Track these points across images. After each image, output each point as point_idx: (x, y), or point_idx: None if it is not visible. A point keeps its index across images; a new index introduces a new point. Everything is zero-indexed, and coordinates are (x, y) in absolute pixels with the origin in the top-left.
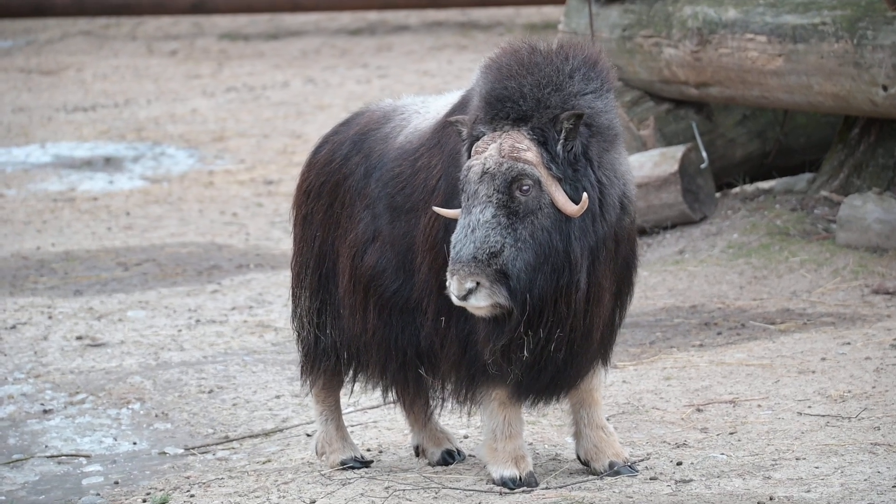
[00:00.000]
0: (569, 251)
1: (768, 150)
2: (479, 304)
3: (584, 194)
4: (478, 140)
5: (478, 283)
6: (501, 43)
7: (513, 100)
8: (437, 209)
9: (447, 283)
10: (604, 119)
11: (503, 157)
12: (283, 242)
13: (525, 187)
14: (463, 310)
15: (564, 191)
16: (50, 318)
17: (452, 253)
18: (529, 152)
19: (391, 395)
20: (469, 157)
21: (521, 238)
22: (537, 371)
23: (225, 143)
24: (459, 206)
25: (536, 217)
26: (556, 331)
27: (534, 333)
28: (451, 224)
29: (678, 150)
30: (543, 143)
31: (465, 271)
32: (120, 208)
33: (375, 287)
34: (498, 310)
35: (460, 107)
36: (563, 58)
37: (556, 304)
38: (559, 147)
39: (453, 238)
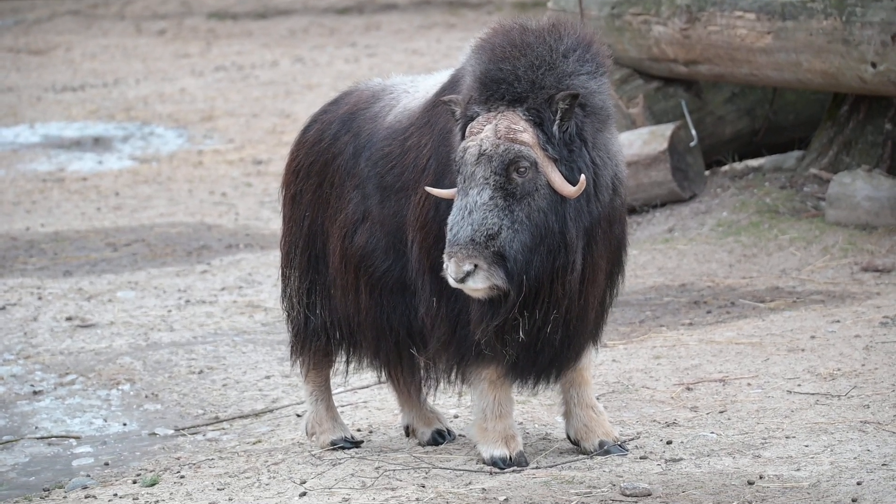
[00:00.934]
0: (564, 232)
1: (757, 128)
2: (477, 286)
3: (582, 175)
4: (472, 121)
5: (475, 266)
6: (491, 23)
7: (507, 81)
8: (429, 189)
9: (444, 266)
10: (597, 100)
11: (499, 138)
12: (273, 222)
13: (522, 169)
14: (454, 289)
15: (560, 171)
16: (39, 298)
17: (449, 235)
18: (526, 133)
19: (382, 375)
20: (463, 137)
21: (518, 220)
22: (533, 352)
23: (214, 123)
24: (451, 186)
25: (533, 198)
26: (552, 311)
27: (529, 314)
28: (441, 203)
29: (667, 129)
30: (539, 123)
31: (463, 254)
32: (109, 188)
33: (366, 267)
34: (495, 291)
35: (450, 86)
36: (556, 37)
37: (552, 285)
38: (555, 128)
39: (450, 220)
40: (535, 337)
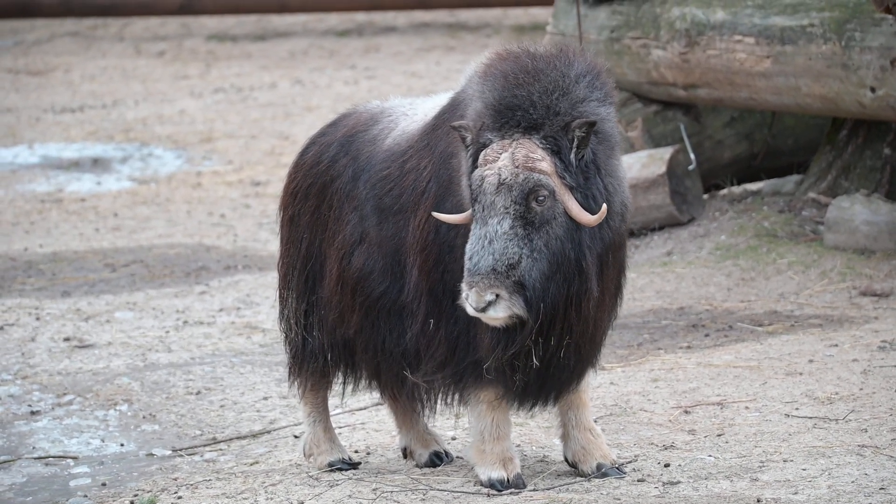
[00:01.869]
0: (580, 259)
1: (756, 152)
2: (498, 315)
3: (604, 205)
4: (485, 147)
5: (497, 296)
6: (493, 47)
7: (522, 108)
8: (437, 215)
9: (463, 294)
10: (608, 126)
11: (517, 167)
12: (271, 244)
13: (541, 198)
14: (453, 312)
15: (576, 199)
16: (37, 319)
17: (469, 264)
18: (544, 162)
19: (382, 397)
20: (474, 164)
21: (537, 248)
22: (541, 377)
23: (213, 144)
24: (453, 209)
25: (551, 227)
26: (565, 337)
27: (544, 341)
28: (442, 227)
29: (666, 152)
30: (557, 151)
31: (485, 283)
32: (107, 209)
33: (362, 289)
34: (514, 320)
35: (450, 109)
36: (566, 63)
37: (567, 312)
38: (572, 156)
39: (468, 249)
40: (548, 362)
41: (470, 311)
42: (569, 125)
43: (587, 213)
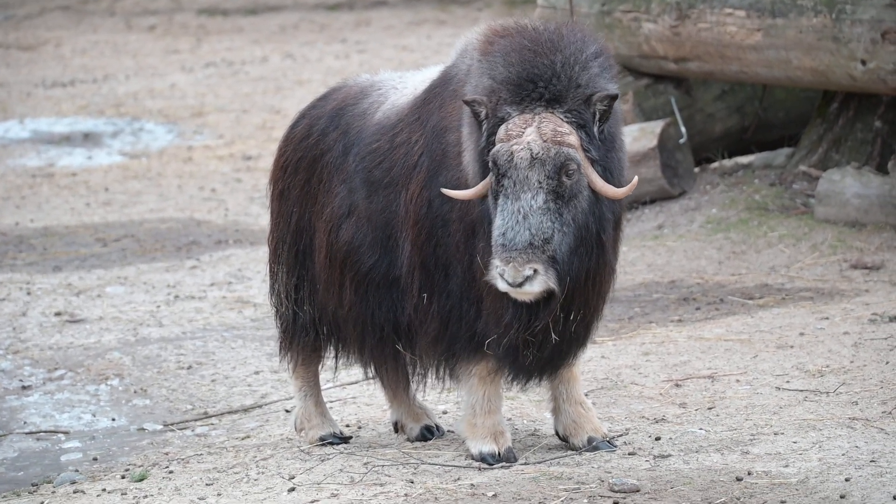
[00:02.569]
0: (600, 232)
1: (747, 125)
2: (534, 289)
3: (635, 177)
4: (503, 122)
5: (535, 270)
6: (490, 23)
7: (545, 79)
8: (446, 191)
9: (496, 270)
10: (618, 101)
11: (546, 141)
12: (262, 218)
13: (570, 171)
14: (445, 286)
15: (598, 172)
16: (29, 294)
17: (502, 239)
18: (571, 136)
19: (370, 371)
20: (489, 138)
21: (566, 222)
22: (552, 352)
23: (204, 119)
24: (447, 184)
25: (578, 200)
26: (581, 311)
27: (564, 315)
28: (435, 200)
29: (657, 126)
30: (582, 125)
31: (523, 258)
32: (99, 184)
33: (352, 262)
34: (544, 294)
35: (442, 83)
36: (579, 38)
37: (586, 285)
38: (595, 129)
39: (500, 224)
40: (561, 336)
41: (503, 286)
42: (590, 98)
43: (612, 186)
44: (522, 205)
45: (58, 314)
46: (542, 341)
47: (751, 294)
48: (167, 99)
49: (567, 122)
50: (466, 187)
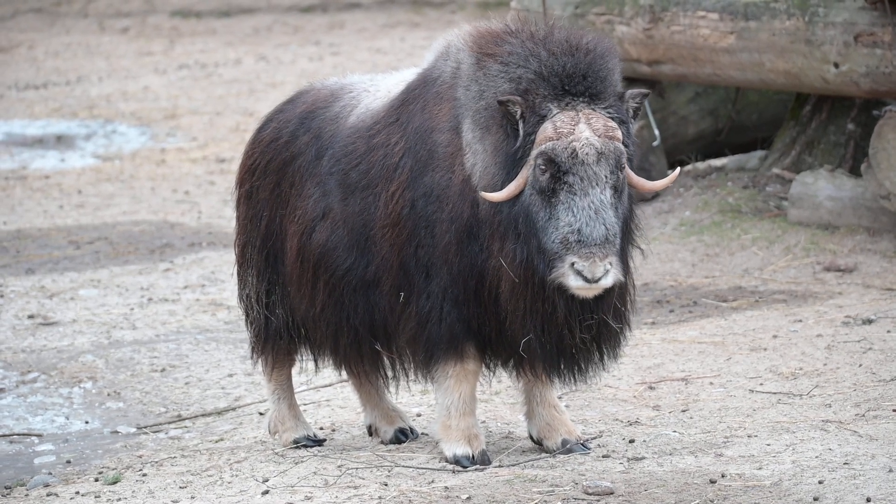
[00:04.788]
0: (631, 224)
1: (720, 128)
2: (608, 283)
3: (677, 169)
4: (543, 120)
5: (611, 264)
6: (480, 26)
7: (582, 76)
8: (485, 194)
9: (571, 265)
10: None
11: (600, 136)
12: None
13: (622, 166)
14: (425, 287)
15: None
16: (1, 296)
17: (577, 236)
18: (618, 131)
19: (342, 373)
20: (527, 137)
21: (620, 216)
22: (598, 347)
23: (177, 121)
24: (431, 185)
25: (624, 194)
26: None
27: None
28: (419, 202)
29: None
30: (623, 122)
31: (602, 253)
32: (72, 186)
33: (326, 265)
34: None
35: (421, 85)
36: (591, 38)
37: (627, 278)
38: (631, 126)
39: (570, 220)
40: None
41: (579, 283)
42: (623, 96)
43: (647, 181)
44: (593, 200)
45: (31, 317)
46: (592, 337)
47: (724, 297)
48: (140, 101)
49: (610, 118)
50: (463, 188)
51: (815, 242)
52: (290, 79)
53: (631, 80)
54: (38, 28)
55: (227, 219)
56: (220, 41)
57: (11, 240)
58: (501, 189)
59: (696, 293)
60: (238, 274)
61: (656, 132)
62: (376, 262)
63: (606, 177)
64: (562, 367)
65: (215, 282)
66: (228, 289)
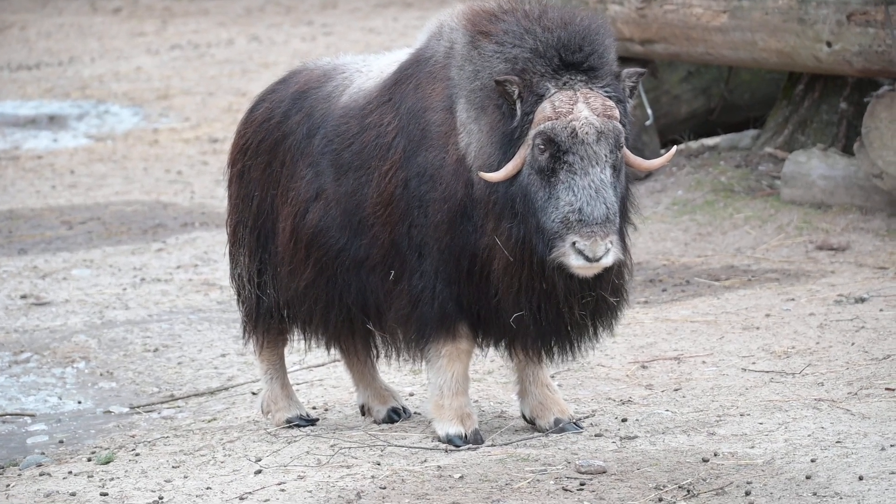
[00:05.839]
0: (628, 203)
1: (713, 107)
2: (608, 262)
3: (674, 147)
4: (541, 99)
5: (612, 243)
6: (474, 5)
7: (579, 55)
8: (483, 175)
9: (573, 244)
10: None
11: (599, 116)
12: None
13: (621, 145)
14: (418, 266)
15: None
16: None
17: (578, 215)
18: (616, 110)
19: (335, 352)
20: (525, 115)
21: (618, 195)
22: (593, 324)
23: (169, 101)
24: (425, 165)
25: (622, 174)
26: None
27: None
28: (412, 181)
29: None
30: (620, 101)
31: (603, 231)
32: (64, 167)
33: (319, 245)
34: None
35: (414, 64)
36: (586, 16)
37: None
38: (628, 105)
39: (570, 199)
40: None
41: (580, 262)
42: (619, 75)
43: (644, 160)
44: (593, 179)
45: (23, 297)
46: (590, 312)
47: (717, 276)
48: (133, 82)
49: (608, 97)
50: (457, 168)
51: (808, 221)
52: (282, 59)
53: (624, 60)
54: (30, 9)
55: (219, 199)
56: (212, 21)
57: (4, 220)
58: (498, 169)
59: (688, 272)
60: (230, 253)
61: (649, 111)
62: (369, 241)
63: (606, 156)
64: (552, 344)
65: (208, 262)
66: (221, 269)
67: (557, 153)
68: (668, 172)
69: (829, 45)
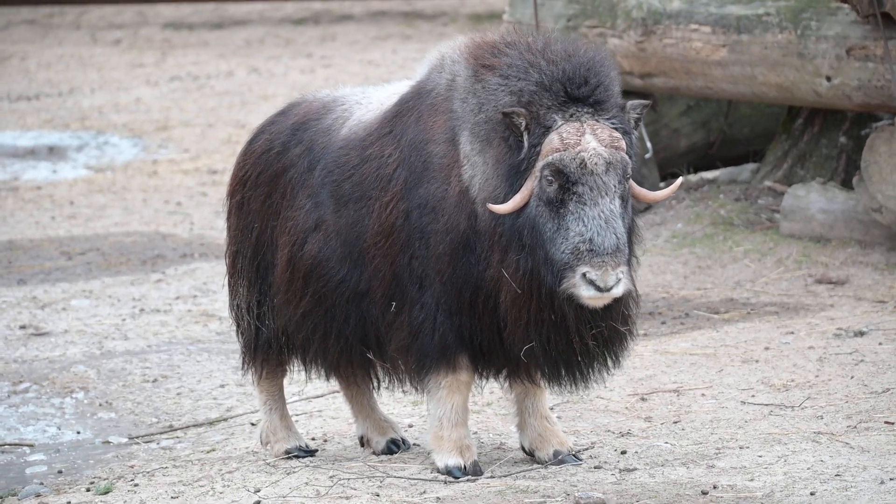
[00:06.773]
0: (633, 236)
1: (712, 141)
2: (619, 292)
3: (679, 179)
4: (548, 131)
5: (623, 273)
6: (476, 38)
7: (585, 87)
8: (492, 206)
9: (584, 275)
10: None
11: (606, 147)
12: None
13: (629, 176)
14: (418, 298)
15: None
16: None
17: (589, 245)
18: (622, 142)
19: (335, 382)
20: (527, 146)
21: (626, 225)
22: (603, 355)
23: (169, 133)
24: (427, 197)
25: (629, 204)
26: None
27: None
28: (413, 213)
29: None
30: (625, 132)
31: (614, 262)
32: (63, 197)
33: (318, 276)
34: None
35: (415, 97)
36: (591, 49)
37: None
38: (633, 137)
39: (580, 230)
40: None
41: (591, 292)
42: (624, 106)
43: (650, 191)
44: (602, 209)
45: (22, 327)
46: (601, 343)
47: (716, 308)
48: (132, 113)
49: (614, 129)
50: (460, 199)
51: (807, 255)
52: (281, 91)
53: (623, 93)
54: (30, 39)
55: (218, 230)
56: (212, 53)
57: (3, 251)
58: (504, 201)
59: (688, 305)
60: (229, 284)
61: (648, 144)
62: (369, 272)
63: (615, 186)
64: (563, 373)
65: (207, 293)
66: (220, 300)
67: (566, 184)
68: (667, 206)
69: (828, 79)
